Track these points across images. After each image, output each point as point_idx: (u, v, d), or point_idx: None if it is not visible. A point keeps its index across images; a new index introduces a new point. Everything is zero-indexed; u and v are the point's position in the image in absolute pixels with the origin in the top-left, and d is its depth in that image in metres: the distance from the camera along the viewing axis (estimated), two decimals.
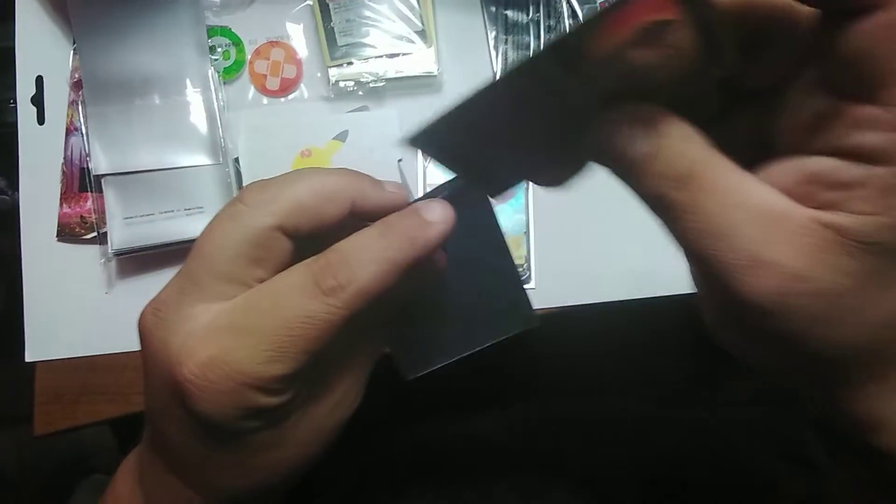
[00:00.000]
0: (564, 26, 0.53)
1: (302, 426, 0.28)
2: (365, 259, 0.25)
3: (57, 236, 0.53)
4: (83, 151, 0.52)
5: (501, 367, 0.43)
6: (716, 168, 0.20)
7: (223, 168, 0.52)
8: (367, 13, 0.53)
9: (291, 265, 0.27)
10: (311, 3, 0.54)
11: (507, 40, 0.54)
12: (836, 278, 0.19)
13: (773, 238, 0.19)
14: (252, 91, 0.54)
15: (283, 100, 0.54)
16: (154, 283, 0.52)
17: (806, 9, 0.20)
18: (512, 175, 0.28)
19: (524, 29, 0.54)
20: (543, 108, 0.22)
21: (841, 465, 0.26)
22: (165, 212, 0.51)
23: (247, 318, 0.26)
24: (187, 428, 0.27)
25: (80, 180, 0.53)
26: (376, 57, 0.53)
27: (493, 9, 0.54)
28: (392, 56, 0.53)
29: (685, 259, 0.22)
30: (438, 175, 0.53)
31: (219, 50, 0.54)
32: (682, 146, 0.20)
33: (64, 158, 0.53)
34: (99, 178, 0.51)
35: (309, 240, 0.28)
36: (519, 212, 0.52)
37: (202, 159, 0.52)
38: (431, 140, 0.23)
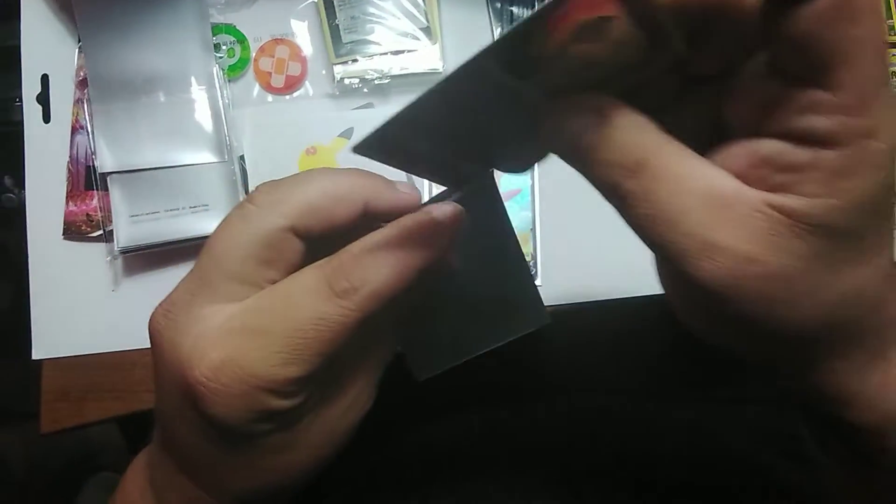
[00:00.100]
0: None
1: (314, 429, 0.28)
2: (378, 261, 0.25)
3: (63, 234, 0.53)
4: (89, 149, 0.52)
5: (511, 368, 0.43)
6: (667, 155, 0.20)
7: (228, 166, 0.52)
8: (372, 10, 0.53)
9: (303, 266, 0.27)
10: (315, 0, 0.53)
11: None
12: (786, 261, 0.19)
13: (725, 222, 0.19)
14: (257, 88, 0.54)
15: (288, 97, 0.54)
16: (160, 280, 0.52)
17: None
18: (473, 167, 0.27)
19: None
20: (494, 104, 0.22)
21: (832, 455, 0.26)
22: (171, 209, 0.51)
23: (259, 320, 0.25)
24: (199, 430, 0.27)
25: (85, 178, 0.53)
26: (381, 54, 0.52)
27: (498, 5, 0.54)
28: (397, 53, 0.53)
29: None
30: None
31: (223, 47, 0.54)
32: (633, 134, 0.20)
33: (70, 156, 0.53)
34: (105, 175, 0.51)
35: (321, 241, 0.27)
36: (525, 209, 0.52)
37: (207, 157, 0.52)
38: (381, 146, 0.23)
